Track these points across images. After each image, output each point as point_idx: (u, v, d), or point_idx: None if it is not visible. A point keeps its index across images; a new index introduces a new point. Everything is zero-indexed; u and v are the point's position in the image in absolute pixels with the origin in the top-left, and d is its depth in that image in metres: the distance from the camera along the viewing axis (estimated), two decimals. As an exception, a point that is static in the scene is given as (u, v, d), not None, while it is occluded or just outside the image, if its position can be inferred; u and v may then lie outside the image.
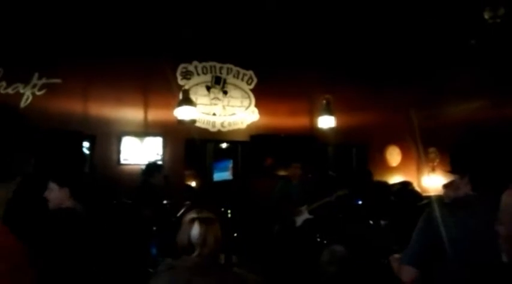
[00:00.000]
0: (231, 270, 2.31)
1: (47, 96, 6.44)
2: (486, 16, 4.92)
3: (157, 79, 7.02)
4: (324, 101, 7.62)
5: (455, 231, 2.16)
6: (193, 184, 7.95)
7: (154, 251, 4.02)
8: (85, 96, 6.69)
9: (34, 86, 6.43)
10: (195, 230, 2.27)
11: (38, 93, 6.42)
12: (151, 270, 3.88)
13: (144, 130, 6.96)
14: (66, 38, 6.41)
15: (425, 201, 6.50)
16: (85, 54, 6.53)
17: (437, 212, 2.27)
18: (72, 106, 6.55)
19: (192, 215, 2.37)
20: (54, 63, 6.46)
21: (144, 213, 4.37)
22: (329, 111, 7.56)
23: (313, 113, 7.83)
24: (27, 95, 6.38)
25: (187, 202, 5.31)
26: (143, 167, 5.84)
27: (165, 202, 5.16)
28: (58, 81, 6.52)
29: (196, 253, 2.25)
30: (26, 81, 6.39)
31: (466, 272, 2.11)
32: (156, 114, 7.04)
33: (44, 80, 6.46)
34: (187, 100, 6.70)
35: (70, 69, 6.54)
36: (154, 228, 4.28)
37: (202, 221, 2.30)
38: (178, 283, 2.20)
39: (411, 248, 2.28)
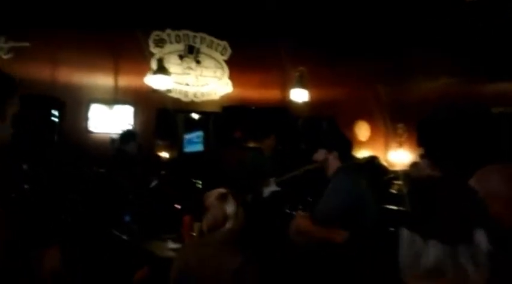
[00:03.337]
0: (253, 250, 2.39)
1: (15, 60, 6.23)
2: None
3: (129, 46, 6.87)
4: (297, 74, 7.63)
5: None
6: (164, 155, 7.92)
7: (127, 218, 4.03)
8: (54, 61, 6.50)
9: (0, 49, 6.21)
10: (231, 203, 2.38)
11: (4, 57, 6.21)
12: (124, 237, 3.90)
13: (114, 98, 6.83)
14: (34, 1, 6.18)
15: (391, 175, 6.72)
16: (55, 18, 6.31)
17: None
18: (41, 71, 6.37)
19: (220, 191, 2.46)
20: (23, 27, 6.23)
21: (120, 181, 4.35)
22: (302, 84, 7.58)
23: (286, 86, 7.84)
24: (-7, 59, 6.18)
25: (162, 172, 5.29)
26: (114, 136, 5.75)
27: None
28: (26, 44, 6.31)
29: (228, 225, 2.35)
30: (-9, 44, 6.18)
31: None
32: (127, 82, 6.92)
33: (11, 43, 6.24)
34: (161, 69, 6.62)
35: (39, 33, 6.32)
36: (130, 197, 4.28)
37: (233, 195, 2.43)
38: (204, 256, 2.30)
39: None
